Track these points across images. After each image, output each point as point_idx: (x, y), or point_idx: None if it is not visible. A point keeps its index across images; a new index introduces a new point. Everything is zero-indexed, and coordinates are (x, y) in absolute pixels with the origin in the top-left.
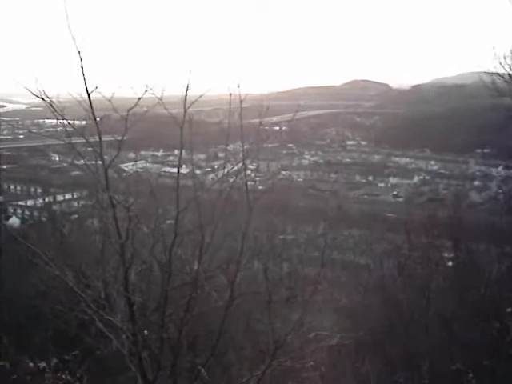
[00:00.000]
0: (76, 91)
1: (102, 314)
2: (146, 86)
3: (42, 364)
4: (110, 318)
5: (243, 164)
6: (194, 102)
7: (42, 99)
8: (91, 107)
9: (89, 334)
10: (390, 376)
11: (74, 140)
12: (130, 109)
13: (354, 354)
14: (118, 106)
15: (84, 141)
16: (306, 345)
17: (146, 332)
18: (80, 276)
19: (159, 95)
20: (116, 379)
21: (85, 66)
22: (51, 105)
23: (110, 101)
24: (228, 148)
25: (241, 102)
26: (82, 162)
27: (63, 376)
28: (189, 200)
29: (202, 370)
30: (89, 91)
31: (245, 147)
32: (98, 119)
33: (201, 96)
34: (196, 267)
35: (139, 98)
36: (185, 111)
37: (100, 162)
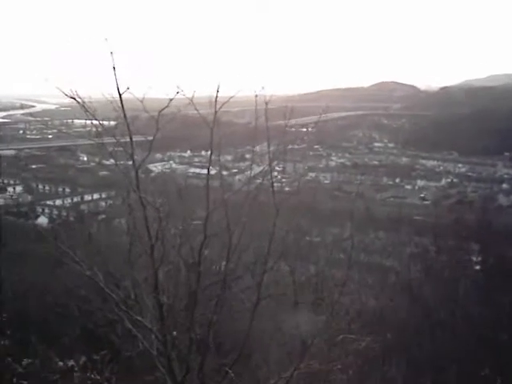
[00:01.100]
0: (107, 92)
1: (131, 314)
2: (177, 87)
3: (71, 363)
4: (140, 319)
5: (270, 166)
6: (224, 104)
7: (74, 99)
8: (122, 107)
9: (115, 333)
10: (417, 379)
11: (103, 140)
12: (162, 109)
13: (381, 356)
14: (148, 107)
15: (113, 141)
16: (334, 347)
17: (174, 333)
18: (108, 276)
19: (189, 96)
20: (144, 379)
21: (117, 66)
22: (83, 105)
23: (141, 101)
24: (255, 149)
25: (266, 104)
26: (111, 162)
27: (92, 375)
28: (217, 201)
29: (230, 371)
30: (120, 92)
31: (271, 149)
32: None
33: (231, 97)
34: (223, 268)
35: (171, 99)
36: (215, 112)
37: (130, 162)
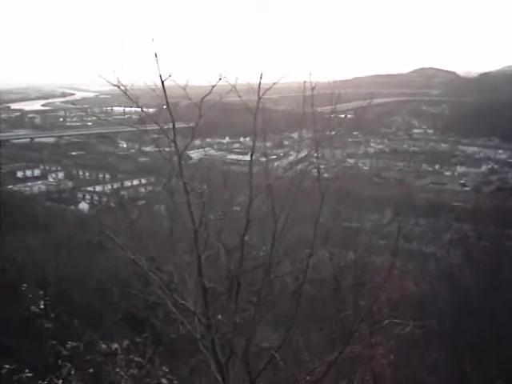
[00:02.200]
0: (148, 79)
1: (175, 297)
2: (220, 74)
3: (114, 346)
4: (184, 302)
5: (316, 151)
6: (268, 90)
7: (118, 87)
8: (165, 95)
9: (156, 317)
10: (458, 365)
11: (143, 127)
12: (205, 96)
13: (422, 342)
14: (188, 94)
15: (152, 128)
16: (377, 332)
17: (219, 316)
18: (149, 260)
19: (231, 83)
20: (187, 362)
21: (159, 54)
22: (126, 93)
23: (184, 88)
24: (293, 135)
25: (313, 89)
26: (150, 148)
27: (135, 358)
28: (258, 187)
29: (275, 354)
30: (162, 79)
31: (310, 135)
32: (164, 107)
33: (274, 84)
34: (263, 253)
35: (213, 86)
36: (258, 99)
37: (167, 149)
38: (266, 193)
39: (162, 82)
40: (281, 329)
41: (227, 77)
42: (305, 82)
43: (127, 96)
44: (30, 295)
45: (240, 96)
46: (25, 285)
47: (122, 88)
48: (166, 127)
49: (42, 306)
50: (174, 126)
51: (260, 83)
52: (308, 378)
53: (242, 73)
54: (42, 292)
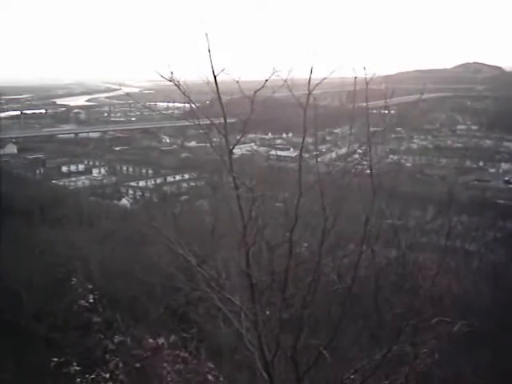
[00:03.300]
0: (193, 74)
1: (223, 293)
2: (273, 69)
3: (161, 340)
4: (231, 297)
5: (369, 147)
6: (317, 85)
7: (171, 81)
8: (217, 89)
9: (198, 312)
10: (503, 366)
11: (190, 122)
12: (257, 90)
13: (467, 341)
14: (230, 90)
15: (198, 123)
16: (421, 331)
17: (267, 312)
18: (194, 255)
19: (282, 78)
20: (232, 357)
21: (211, 49)
22: (178, 87)
23: (237, 82)
24: (335, 131)
25: (367, 83)
26: (192, 143)
27: (181, 353)
28: (303, 184)
29: (324, 351)
30: (215, 74)
31: (353, 131)
32: (207, 102)
33: (324, 79)
34: (305, 250)
35: (266, 80)
36: (309, 93)
37: (211, 144)
38: (315, 189)
39: (215, 77)
40: (325, 326)
41: (278, 72)
42: (355, 77)
43: (180, 91)
44: (80, 289)
45: (291, 91)
46: (74, 279)
47: (176, 83)
48: (207, 122)
49: (91, 300)
50: (225, 120)
51: (310, 78)
52: (354, 376)
53: (284, 68)
54: (90, 286)
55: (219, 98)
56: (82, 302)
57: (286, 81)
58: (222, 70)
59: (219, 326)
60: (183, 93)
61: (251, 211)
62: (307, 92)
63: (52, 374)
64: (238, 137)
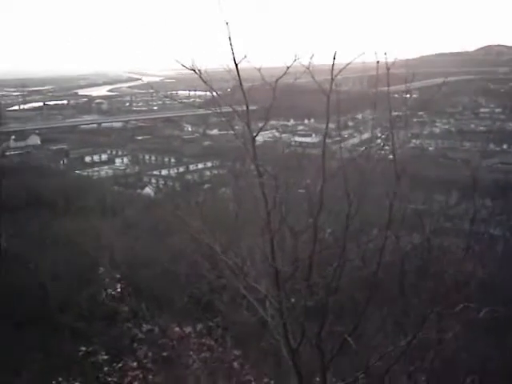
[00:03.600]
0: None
1: (248, 280)
2: (294, 55)
3: (188, 329)
4: (256, 285)
5: (391, 133)
6: (341, 70)
7: (193, 70)
8: (239, 77)
9: (222, 300)
10: None
11: (214, 110)
12: (279, 78)
13: (493, 327)
14: (251, 77)
15: (219, 111)
16: (446, 317)
17: (292, 300)
18: (216, 243)
19: (305, 65)
20: (258, 345)
21: (232, 36)
22: (200, 76)
23: (259, 70)
24: (357, 116)
25: (388, 68)
26: (214, 132)
27: (206, 342)
28: (325, 169)
29: (349, 338)
30: (236, 61)
31: (375, 116)
32: (228, 90)
33: (348, 64)
34: (328, 236)
35: (288, 68)
36: (332, 79)
37: (233, 132)
38: (339, 175)
39: (236, 65)
40: (349, 313)
41: (299, 58)
42: (378, 62)
43: (202, 79)
44: (107, 279)
45: (313, 77)
46: (101, 268)
47: (197, 71)
48: (229, 110)
49: (119, 290)
50: (247, 108)
51: (333, 64)
52: (379, 363)
53: (305, 54)
54: (118, 276)
55: (241, 85)
56: (110, 291)
57: (308, 68)
58: (244, 58)
59: (243, 314)
60: (204, 82)
61: (275, 198)
62: (328, 78)
63: (80, 364)
64: (261, 124)
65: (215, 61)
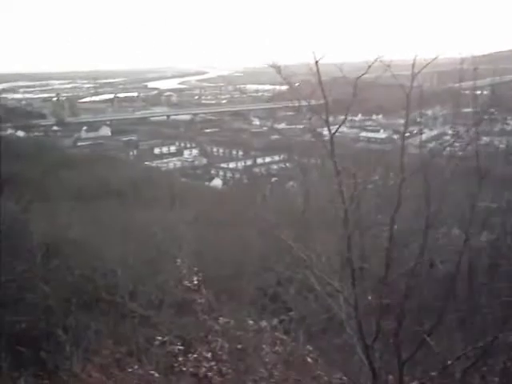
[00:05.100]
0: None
1: (324, 277)
2: (376, 52)
3: (263, 323)
4: (330, 282)
5: (476, 128)
6: (426, 66)
7: (272, 67)
8: (318, 73)
9: (289, 293)
10: None
11: (274, 105)
12: (360, 76)
13: None
14: (322, 72)
15: (294, 105)
16: None
17: (369, 297)
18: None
19: (385, 62)
20: (331, 341)
21: (313, 34)
22: (279, 71)
23: (339, 67)
24: (426, 112)
25: (448, 66)
26: (282, 125)
27: (279, 335)
28: (392, 165)
29: (427, 338)
30: (315, 57)
31: (444, 112)
32: (297, 84)
33: (434, 59)
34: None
35: (369, 66)
36: (413, 76)
37: (300, 126)
38: (421, 172)
39: (316, 62)
40: (425, 312)
41: (378, 55)
42: (439, 58)
43: (280, 75)
44: (184, 270)
45: (394, 75)
46: (178, 260)
47: (276, 67)
48: (297, 105)
49: (196, 282)
50: (326, 104)
51: (415, 60)
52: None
53: (381, 50)
54: (196, 268)
55: (320, 81)
56: (186, 282)
57: (388, 65)
58: (324, 55)
59: (313, 308)
60: (283, 77)
61: (352, 196)
62: (396, 73)
63: (154, 353)
64: (331, 119)
65: (288, 56)
